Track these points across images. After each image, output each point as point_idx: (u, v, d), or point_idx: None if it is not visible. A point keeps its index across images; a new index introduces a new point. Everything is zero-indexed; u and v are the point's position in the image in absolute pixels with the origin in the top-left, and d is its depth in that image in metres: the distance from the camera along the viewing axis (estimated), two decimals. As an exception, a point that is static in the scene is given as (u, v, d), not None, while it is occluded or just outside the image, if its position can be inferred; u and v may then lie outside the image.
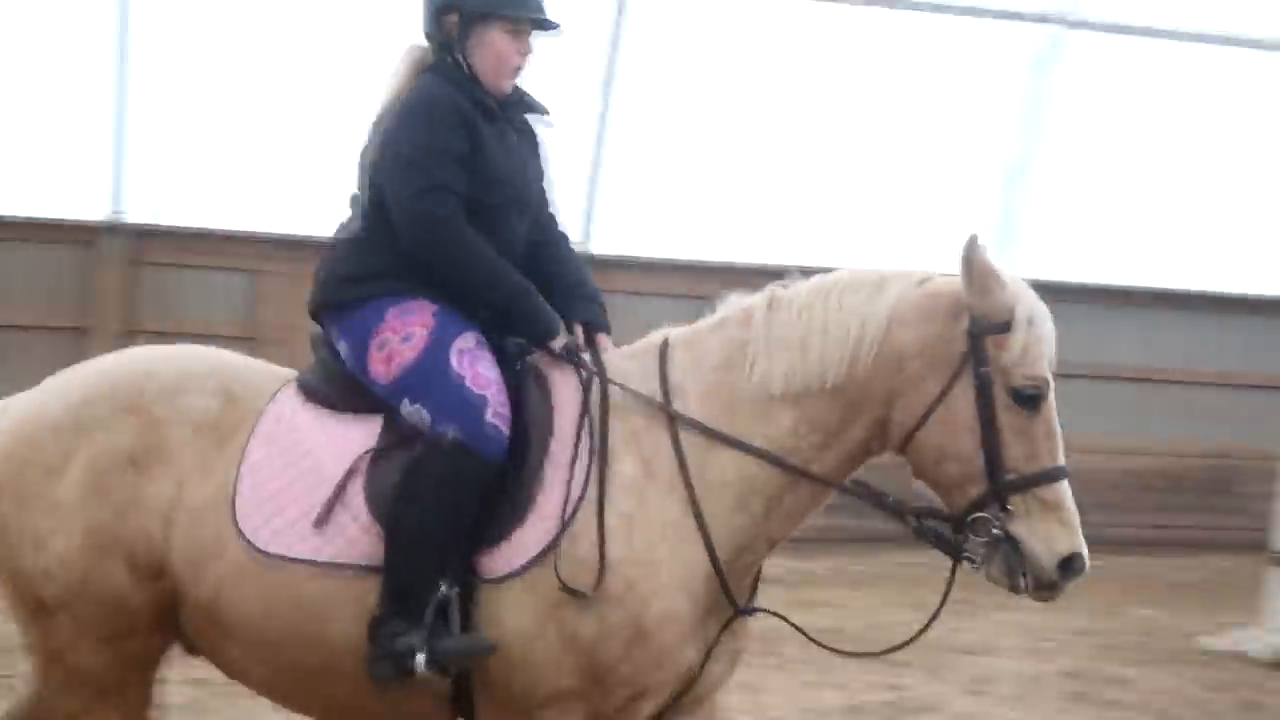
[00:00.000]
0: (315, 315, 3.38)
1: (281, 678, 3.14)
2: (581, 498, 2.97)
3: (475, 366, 3.09)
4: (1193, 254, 11.60)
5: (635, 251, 10.86)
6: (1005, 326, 2.95)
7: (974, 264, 2.98)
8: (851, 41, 10.99)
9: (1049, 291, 3.21)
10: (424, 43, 3.37)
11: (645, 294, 9.95)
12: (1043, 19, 11.16)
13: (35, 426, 3.04)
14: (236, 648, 3.09)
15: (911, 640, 3.28)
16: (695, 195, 10.89)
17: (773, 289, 3.22)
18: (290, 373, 3.32)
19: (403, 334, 3.11)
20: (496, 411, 3.02)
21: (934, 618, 3.21)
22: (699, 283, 9.58)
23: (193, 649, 3.23)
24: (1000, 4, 11.21)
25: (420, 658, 2.84)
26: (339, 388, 3.21)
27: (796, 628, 3.37)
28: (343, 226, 3.42)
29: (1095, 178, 11.48)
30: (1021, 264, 9.74)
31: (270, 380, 3.25)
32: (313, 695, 3.18)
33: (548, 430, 3.09)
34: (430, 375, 3.06)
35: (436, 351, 3.08)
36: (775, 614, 3.32)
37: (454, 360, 3.08)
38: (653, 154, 10.75)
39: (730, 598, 3.10)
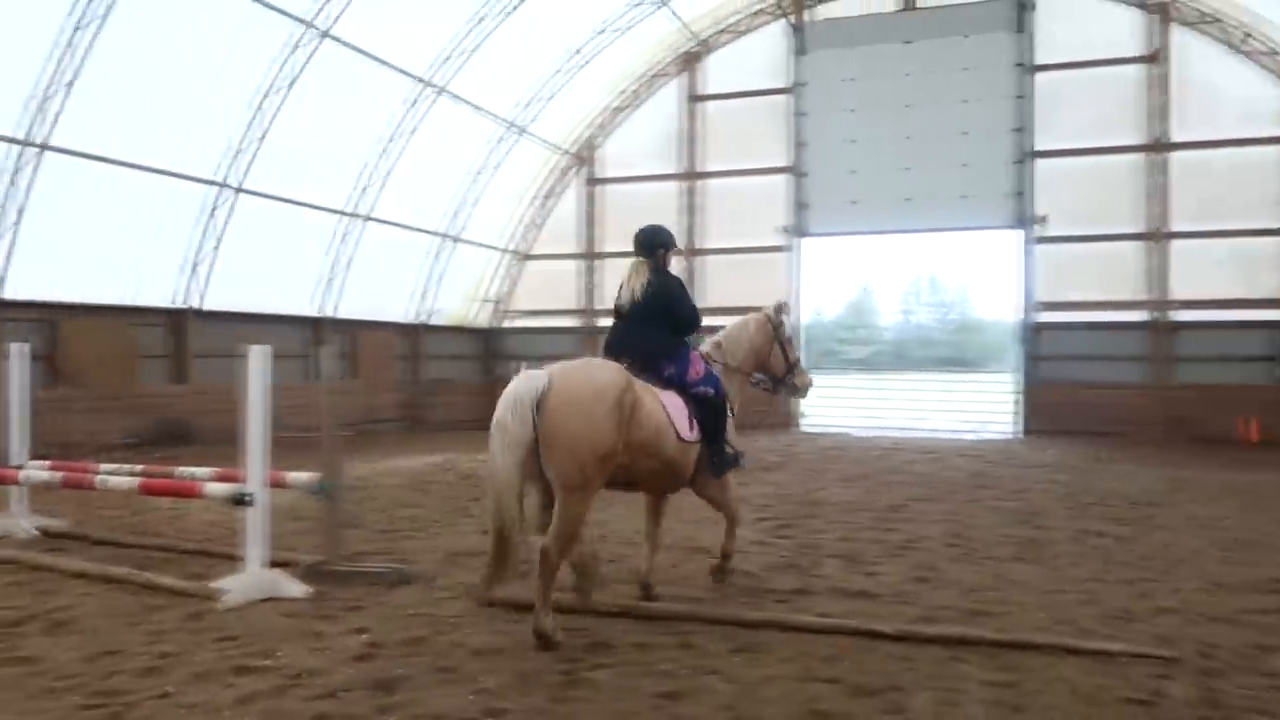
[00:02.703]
0: (647, 358, 5.67)
1: (662, 474, 5.52)
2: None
3: (714, 369, 6.03)
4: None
5: None
6: (782, 324, 6.62)
7: (781, 309, 6.71)
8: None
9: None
10: (642, 257, 5.90)
11: None
12: None
13: (599, 384, 5.02)
14: (653, 465, 5.38)
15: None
16: None
17: (720, 333, 6.52)
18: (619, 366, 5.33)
19: (700, 364, 5.86)
20: (718, 380, 5.96)
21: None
22: None
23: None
24: None
25: (744, 459, 6.06)
26: (662, 382, 5.61)
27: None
28: (631, 324, 5.79)
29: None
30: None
31: (621, 371, 5.24)
32: (664, 478, 5.60)
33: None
34: (709, 375, 5.86)
35: (709, 368, 5.93)
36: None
37: (713, 369, 5.99)
38: None
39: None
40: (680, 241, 22.61)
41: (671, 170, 22.91)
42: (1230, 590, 6.37)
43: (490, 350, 24.39)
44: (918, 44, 20.99)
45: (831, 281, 46.51)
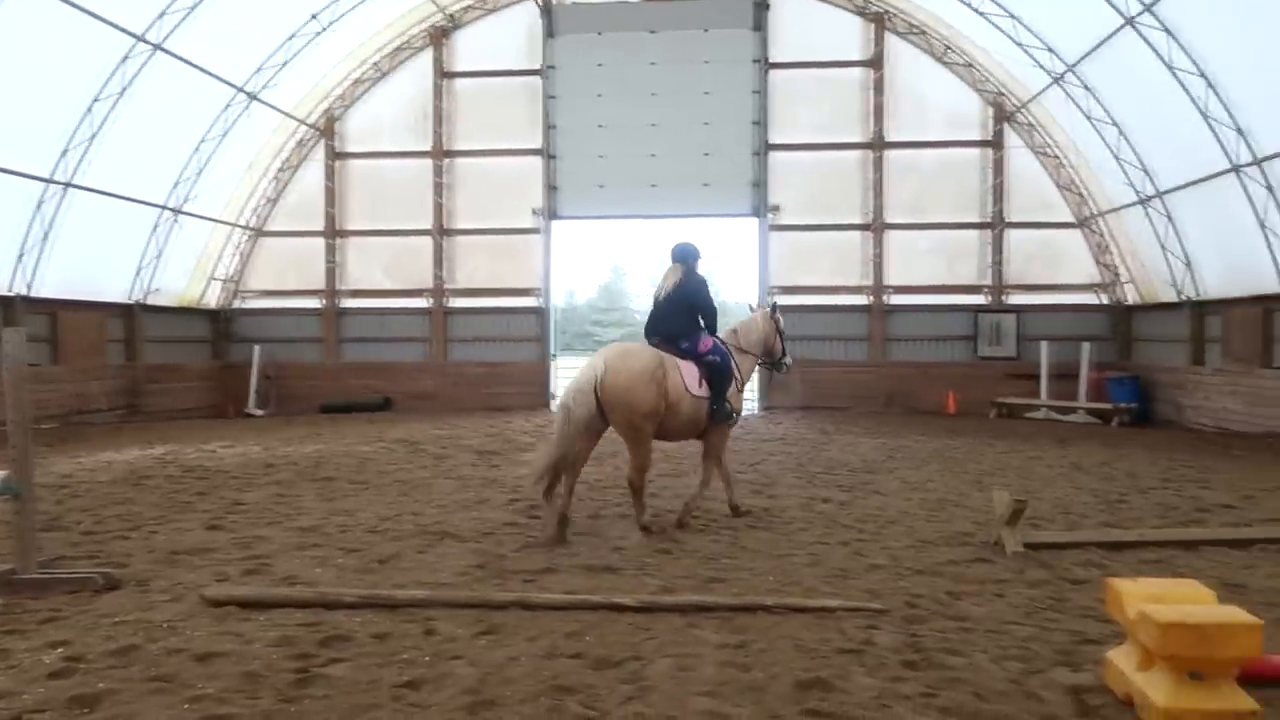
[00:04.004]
0: (669, 336, 7.69)
1: (684, 424, 7.59)
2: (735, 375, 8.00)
3: (721, 345, 7.87)
4: None
5: None
6: (778, 320, 8.56)
7: (777, 307, 8.72)
8: None
9: None
10: (677, 260, 7.90)
11: None
12: None
13: (640, 367, 7.23)
14: (674, 420, 7.45)
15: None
16: None
17: (738, 320, 8.50)
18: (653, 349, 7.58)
19: (709, 340, 7.73)
20: (727, 353, 7.88)
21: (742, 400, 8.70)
22: None
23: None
24: None
25: (736, 415, 7.98)
26: (680, 353, 7.58)
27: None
28: (661, 310, 7.79)
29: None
30: None
31: (654, 353, 7.48)
32: (681, 429, 7.65)
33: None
34: (717, 348, 7.75)
35: (716, 343, 7.80)
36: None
37: (718, 343, 7.83)
38: None
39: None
40: (429, 221, 22.13)
41: (421, 147, 22.26)
42: (932, 545, 7.10)
43: (223, 332, 22.67)
44: (663, 34, 21.63)
45: (584, 264, 47.26)
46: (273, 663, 4.46)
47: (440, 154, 22.20)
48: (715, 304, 7.95)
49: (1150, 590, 3.95)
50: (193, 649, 4.63)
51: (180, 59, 17.55)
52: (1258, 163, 14.89)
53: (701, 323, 7.82)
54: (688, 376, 7.48)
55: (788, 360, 8.72)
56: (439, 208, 22.18)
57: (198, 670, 4.35)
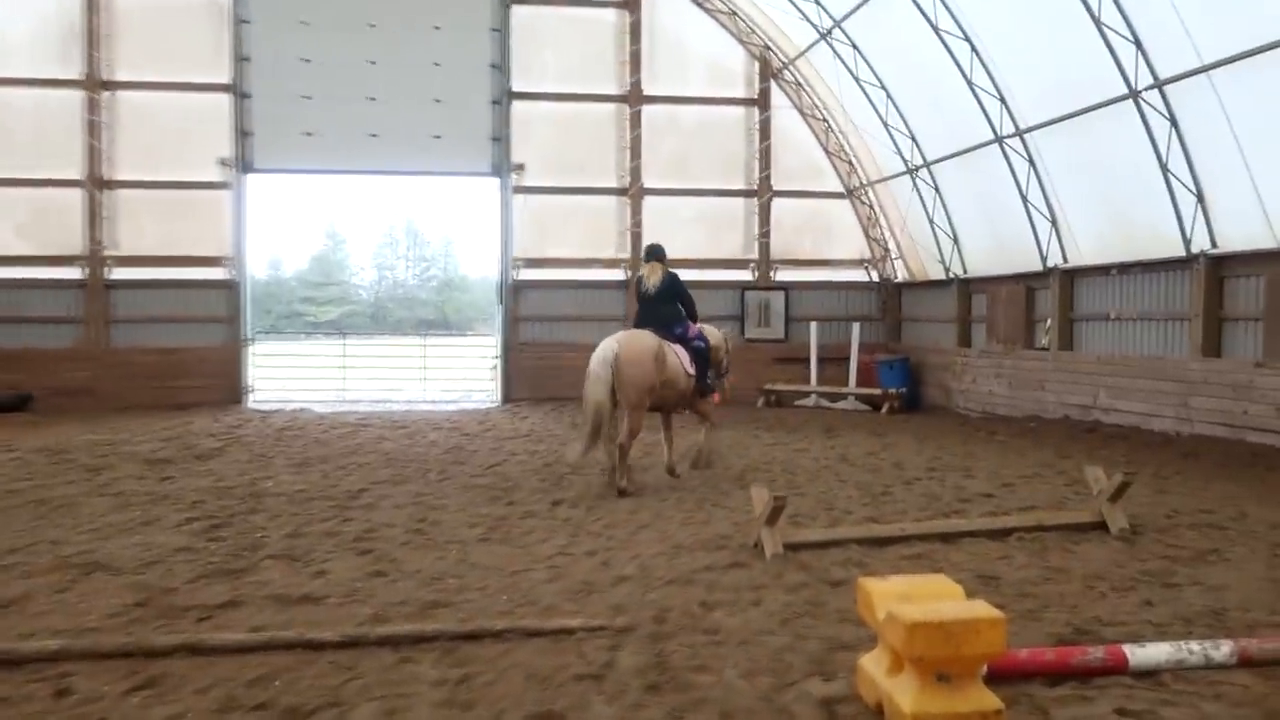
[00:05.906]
0: (664, 323, 10.50)
1: (678, 397, 10.52)
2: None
3: (702, 333, 11.02)
4: None
5: None
6: (729, 344, 11.85)
7: (731, 334, 13.01)
8: None
9: None
10: (655, 259, 10.85)
11: None
12: None
13: (646, 346, 10.00)
14: (671, 393, 10.32)
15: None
16: None
17: (705, 327, 11.35)
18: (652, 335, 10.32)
19: (696, 329, 10.84)
20: (706, 339, 11.06)
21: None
22: None
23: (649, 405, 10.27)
24: None
25: (719, 383, 11.62)
26: (675, 338, 10.48)
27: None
28: (653, 303, 10.62)
29: None
30: None
31: (655, 337, 10.23)
32: (678, 399, 10.60)
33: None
34: (700, 335, 10.86)
35: (700, 331, 10.92)
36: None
37: (700, 330, 10.95)
38: None
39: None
40: (80, 169, 20.35)
41: (69, 75, 20.34)
42: (687, 550, 7.40)
43: None
44: (384, -46, 21.03)
45: (293, 229, 45.21)
46: None
47: (95, 85, 20.39)
48: (693, 298, 10.94)
49: (899, 589, 4.30)
50: None
51: None
52: (1020, 134, 16.61)
53: (683, 311, 10.74)
54: (684, 360, 10.41)
55: (728, 381, 11.90)
56: (94, 152, 20.38)
57: None
